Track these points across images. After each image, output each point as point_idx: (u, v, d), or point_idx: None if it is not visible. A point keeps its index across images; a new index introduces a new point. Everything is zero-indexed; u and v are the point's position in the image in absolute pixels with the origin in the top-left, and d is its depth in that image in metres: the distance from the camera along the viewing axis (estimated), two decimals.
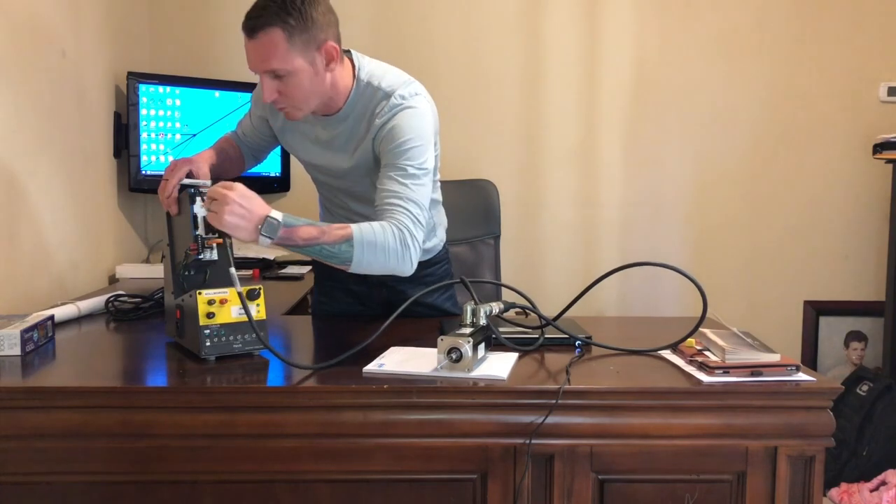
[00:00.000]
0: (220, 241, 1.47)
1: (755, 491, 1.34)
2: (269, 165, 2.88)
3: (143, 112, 2.58)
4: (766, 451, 1.34)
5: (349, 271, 1.51)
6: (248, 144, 1.89)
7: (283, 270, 2.68)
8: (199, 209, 1.47)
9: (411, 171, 1.58)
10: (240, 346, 1.46)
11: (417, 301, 1.61)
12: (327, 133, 1.72)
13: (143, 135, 2.58)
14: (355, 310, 1.95)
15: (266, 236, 1.42)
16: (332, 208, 1.89)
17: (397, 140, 1.60)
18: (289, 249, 1.49)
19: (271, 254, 2.74)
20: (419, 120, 1.63)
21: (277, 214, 1.43)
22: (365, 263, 1.50)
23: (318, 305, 2.02)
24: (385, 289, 1.91)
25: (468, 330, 1.40)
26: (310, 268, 2.57)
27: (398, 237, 1.51)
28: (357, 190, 1.76)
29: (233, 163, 1.86)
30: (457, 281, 1.56)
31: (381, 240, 1.50)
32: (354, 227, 1.49)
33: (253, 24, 1.51)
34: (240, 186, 1.42)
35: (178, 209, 1.54)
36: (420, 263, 1.89)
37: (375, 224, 1.52)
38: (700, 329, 1.50)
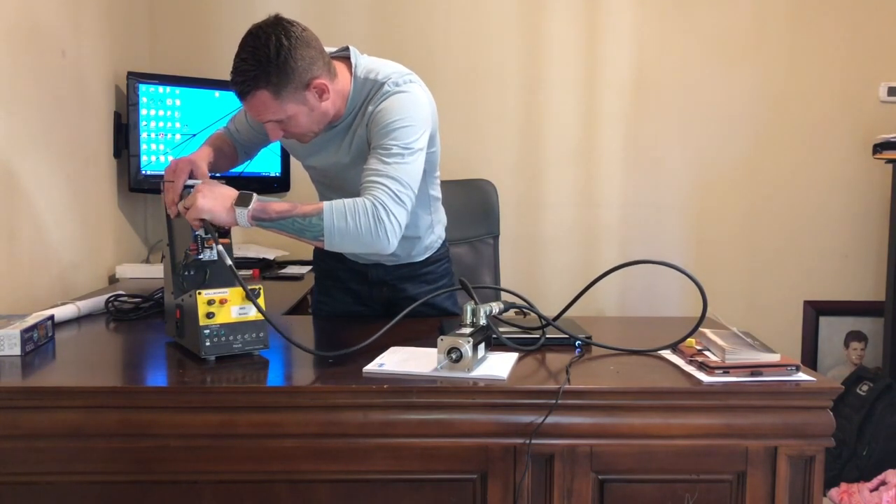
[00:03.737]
0: (227, 241, 1.48)
1: (755, 491, 1.34)
2: (269, 165, 2.88)
3: (143, 112, 2.57)
4: (766, 451, 1.34)
5: (325, 248, 1.51)
6: (242, 141, 1.88)
7: (282, 270, 2.68)
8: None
9: (396, 150, 1.56)
10: (240, 346, 1.46)
11: (417, 299, 1.65)
12: (326, 132, 1.71)
13: (143, 135, 2.58)
14: (356, 310, 1.95)
15: (242, 206, 1.46)
16: None
17: (385, 121, 1.59)
18: (264, 227, 1.50)
19: (271, 254, 2.74)
20: (409, 102, 1.62)
21: (248, 193, 1.48)
22: (337, 237, 1.49)
23: (318, 306, 2.02)
24: (386, 287, 1.91)
25: (468, 330, 1.40)
26: (310, 268, 2.57)
27: (371, 212, 1.49)
28: (357, 188, 1.76)
29: (227, 159, 1.86)
30: (458, 288, 1.56)
31: (351, 213, 1.48)
32: (326, 202, 1.50)
33: (239, 90, 1.53)
34: (207, 182, 1.52)
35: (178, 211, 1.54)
36: (420, 262, 1.90)
37: (349, 199, 1.51)
38: (700, 329, 1.50)
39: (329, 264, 1.96)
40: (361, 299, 1.94)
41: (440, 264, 1.97)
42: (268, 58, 1.48)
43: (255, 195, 1.48)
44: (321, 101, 1.59)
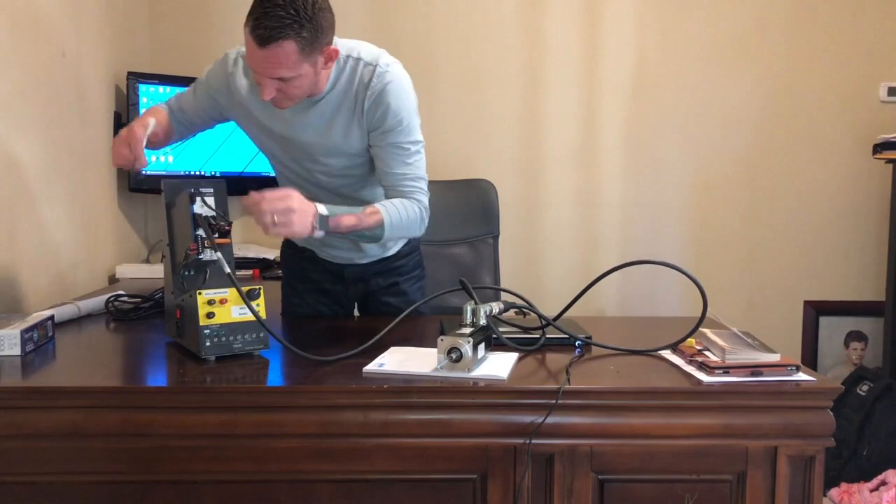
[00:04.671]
0: (227, 241, 1.48)
1: (755, 491, 1.34)
2: (269, 166, 2.87)
3: (143, 112, 2.57)
4: (766, 451, 1.34)
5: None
6: (183, 121, 1.84)
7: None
8: (199, 209, 1.48)
9: (413, 148, 1.70)
10: (240, 346, 1.46)
11: (389, 293, 1.93)
12: (309, 112, 1.70)
13: None
14: (330, 311, 1.96)
15: (321, 228, 1.54)
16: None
17: (395, 119, 1.66)
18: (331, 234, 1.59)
19: (271, 254, 2.74)
20: (406, 92, 1.69)
21: (322, 209, 1.55)
22: (389, 239, 1.76)
23: (290, 308, 2.00)
24: (361, 283, 1.94)
25: (468, 330, 1.40)
26: None
27: (419, 215, 1.69)
28: (340, 165, 1.76)
29: (167, 137, 1.84)
30: (458, 288, 1.56)
31: (405, 220, 1.66)
32: (384, 213, 1.63)
33: (267, 35, 1.47)
34: (295, 196, 1.50)
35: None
36: (392, 255, 1.96)
37: (399, 204, 1.66)
38: (700, 329, 1.50)
39: (301, 265, 1.97)
40: (336, 299, 1.97)
41: (412, 257, 1.99)
42: (305, 10, 1.48)
43: (329, 216, 1.55)
44: (324, 68, 1.61)
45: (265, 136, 1.78)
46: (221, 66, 1.76)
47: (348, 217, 1.58)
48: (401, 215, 1.65)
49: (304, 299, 1.98)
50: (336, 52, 1.60)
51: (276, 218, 1.46)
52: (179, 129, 1.86)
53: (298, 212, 1.48)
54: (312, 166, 1.76)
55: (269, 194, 1.48)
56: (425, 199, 1.72)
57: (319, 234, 1.54)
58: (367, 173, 1.78)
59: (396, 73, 1.67)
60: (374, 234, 1.64)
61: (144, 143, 1.63)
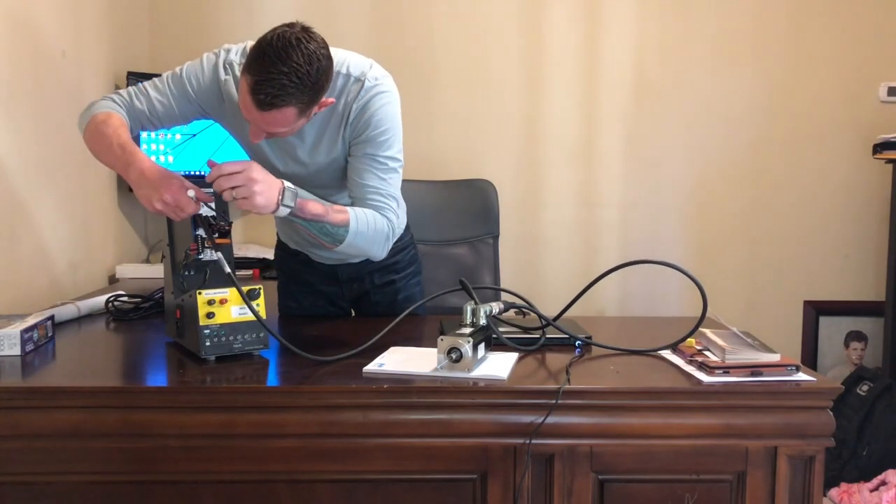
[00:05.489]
0: (227, 241, 1.48)
1: (755, 491, 1.34)
2: None
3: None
4: (766, 451, 1.34)
5: (332, 249, 1.58)
6: (146, 121, 1.68)
7: None
8: (199, 209, 1.48)
9: (391, 164, 1.65)
10: (240, 346, 1.46)
11: (386, 291, 1.90)
12: (296, 131, 1.65)
13: (143, 135, 2.58)
14: (326, 312, 1.96)
15: (286, 206, 1.46)
16: None
17: (377, 130, 1.62)
18: (295, 222, 1.52)
19: (271, 253, 2.74)
20: (393, 107, 1.66)
21: (289, 184, 1.48)
22: (351, 248, 1.59)
23: (286, 311, 2.00)
24: (356, 283, 1.93)
25: (468, 330, 1.40)
26: None
27: (386, 233, 1.62)
28: (323, 181, 1.75)
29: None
30: (458, 288, 1.56)
31: (372, 231, 1.59)
32: (352, 215, 1.56)
33: (269, 102, 1.41)
34: (255, 166, 1.42)
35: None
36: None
37: (370, 215, 1.59)
38: (700, 329, 1.50)
39: (294, 267, 1.96)
40: (331, 300, 1.96)
41: (406, 252, 1.97)
42: (308, 77, 1.42)
43: (297, 193, 1.48)
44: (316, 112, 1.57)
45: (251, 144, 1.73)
46: (211, 73, 1.65)
47: (316, 204, 1.51)
48: (368, 225, 1.58)
49: (299, 302, 1.98)
50: (331, 101, 1.55)
51: (235, 192, 1.39)
52: (135, 124, 1.70)
53: (262, 182, 1.40)
54: (297, 172, 1.73)
55: (227, 166, 1.40)
56: (395, 220, 1.65)
57: (284, 211, 1.45)
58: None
59: (385, 87, 1.63)
60: (337, 233, 1.55)
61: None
